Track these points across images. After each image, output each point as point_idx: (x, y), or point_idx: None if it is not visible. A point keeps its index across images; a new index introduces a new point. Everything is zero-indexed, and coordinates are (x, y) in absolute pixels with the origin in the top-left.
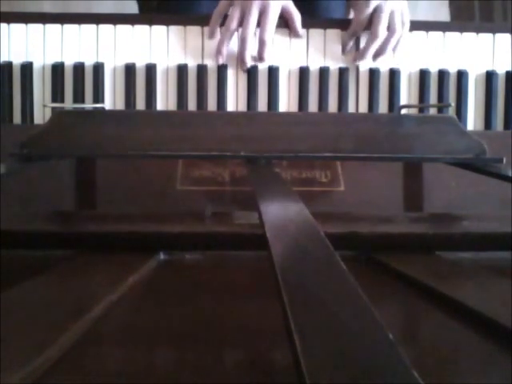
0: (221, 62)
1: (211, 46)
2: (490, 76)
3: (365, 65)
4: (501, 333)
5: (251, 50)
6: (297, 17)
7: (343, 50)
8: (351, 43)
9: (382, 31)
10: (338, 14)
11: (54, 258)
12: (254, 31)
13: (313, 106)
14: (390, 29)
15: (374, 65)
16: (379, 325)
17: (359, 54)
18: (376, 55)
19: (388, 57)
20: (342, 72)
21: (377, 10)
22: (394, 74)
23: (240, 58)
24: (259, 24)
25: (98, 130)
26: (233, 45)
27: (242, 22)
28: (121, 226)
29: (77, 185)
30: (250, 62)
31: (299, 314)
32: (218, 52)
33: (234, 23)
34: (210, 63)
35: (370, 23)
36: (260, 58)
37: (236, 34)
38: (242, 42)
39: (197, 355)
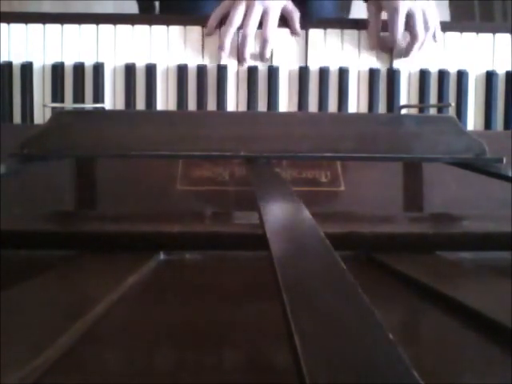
0: (223, 57)
1: (211, 46)
2: (490, 76)
3: (365, 65)
4: (501, 333)
5: (252, 48)
6: (296, 16)
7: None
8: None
9: (421, 32)
10: (329, 14)
11: (54, 258)
12: (256, 30)
13: (313, 106)
14: (425, 24)
15: (374, 65)
16: (379, 325)
17: (402, 53)
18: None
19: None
20: (342, 72)
21: (412, 12)
22: (393, 74)
23: (240, 54)
24: (260, 24)
25: (98, 130)
26: (233, 44)
27: (243, 21)
28: (121, 225)
29: (77, 185)
30: (249, 59)
31: (299, 314)
32: (221, 48)
33: (236, 19)
34: (209, 63)
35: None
36: (262, 55)
37: (236, 33)
38: (243, 39)
39: (197, 355)
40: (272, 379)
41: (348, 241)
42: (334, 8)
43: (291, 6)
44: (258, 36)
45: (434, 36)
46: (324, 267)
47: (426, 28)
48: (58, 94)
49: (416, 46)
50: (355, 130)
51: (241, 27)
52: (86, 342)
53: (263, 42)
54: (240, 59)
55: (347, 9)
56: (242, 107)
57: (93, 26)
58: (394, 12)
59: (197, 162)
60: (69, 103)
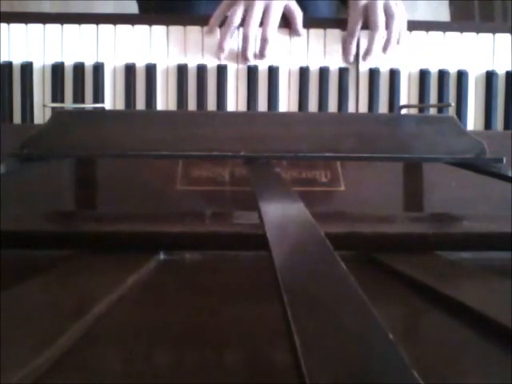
0: (222, 57)
1: (211, 46)
2: (490, 76)
3: (365, 65)
4: (501, 333)
5: (253, 47)
6: (299, 16)
7: (345, 53)
8: (353, 46)
9: (381, 20)
10: (326, 14)
11: (54, 258)
12: (257, 30)
13: (313, 105)
14: (388, 15)
15: (373, 65)
16: (379, 325)
17: (365, 51)
18: (384, 48)
19: (392, 53)
20: (342, 72)
21: (370, 4)
22: (394, 74)
23: (242, 54)
24: (261, 23)
25: (98, 130)
26: (233, 44)
27: (244, 20)
28: (121, 225)
29: (77, 185)
30: (252, 59)
31: (299, 314)
32: (220, 48)
33: (235, 18)
34: (209, 63)
35: (367, 20)
36: (261, 54)
37: (237, 33)
38: (245, 38)
39: (197, 355)
40: (272, 379)
41: (348, 241)
42: (330, 9)
43: (294, 6)
44: (258, 35)
45: (398, 39)
46: (324, 267)
47: (389, 19)
48: (58, 94)
49: (376, 37)
50: (355, 129)
51: (242, 26)
52: (86, 342)
53: (263, 42)
54: (242, 59)
55: (347, 9)
56: (242, 107)
57: (93, 26)
58: (373, 3)
59: (197, 162)
60: (69, 103)
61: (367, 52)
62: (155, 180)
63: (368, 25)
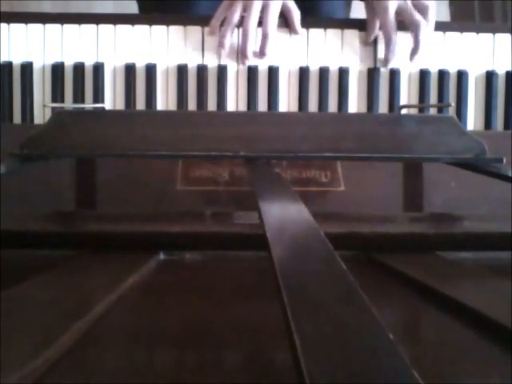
0: (223, 55)
1: (211, 46)
2: (490, 76)
3: (365, 65)
4: (501, 333)
5: (253, 45)
6: (296, 15)
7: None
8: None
9: (419, 18)
10: (339, 15)
11: (54, 258)
12: (256, 28)
13: (313, 105)
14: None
15: (373, 65)
16: (379, 325)
17: (413, 50)
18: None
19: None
20: (342, 72)
21: (401, 9)
22: (394, 74)
23: (241, 52)
24: (260, 22)
25: (98, 130)
26: (234, 44)
27: (243, 18)
28: (121, 226)
29: (77, 185)
30: (251, 57)
31: (299, 314)
32: (220, 45)
33: (234, 17)
34: (210, 63)
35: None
36: (262, 52)
37: (236, 32)
38: (244, 36)
39: (197, 355)
40: (272, 379)
41: (348, 241)
42: (344, 9)
43: (291, 5)
44: (258, 33)
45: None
46: (324, 267)
47: (424, 14)
48: (58, 94)
49: (422, 35)
50: (355, 129)
51: (241, 25)
52: (86, 342)
53: (263, 38)
54: (242, 57)
55: (347, 9)
56: (242, 107)
57: (93, 26)
58: (383, 12)
59: (197, 162)
60: (69, 103)
61: (415, 51)
62: (155, 180)
63: (408, 25)
